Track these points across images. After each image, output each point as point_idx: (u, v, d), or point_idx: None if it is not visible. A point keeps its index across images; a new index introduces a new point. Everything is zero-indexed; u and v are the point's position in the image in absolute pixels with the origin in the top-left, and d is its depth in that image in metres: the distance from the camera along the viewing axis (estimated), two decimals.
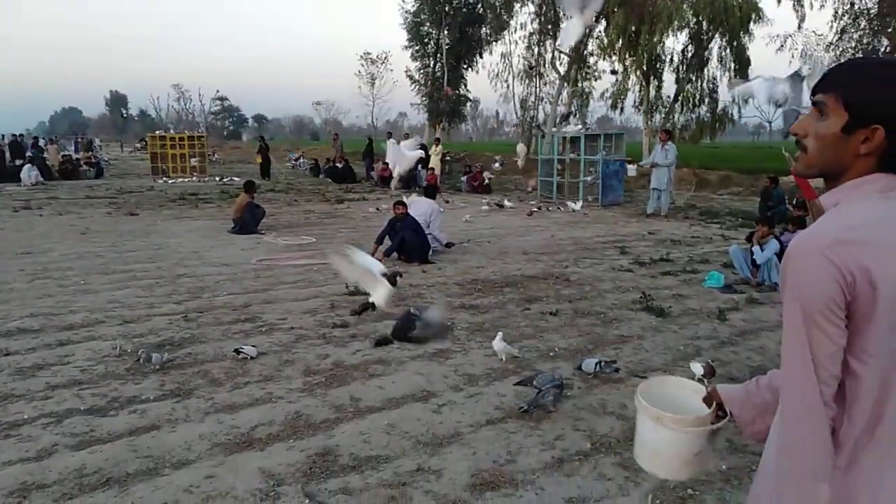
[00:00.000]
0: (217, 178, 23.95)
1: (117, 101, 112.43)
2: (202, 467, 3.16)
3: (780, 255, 7.22)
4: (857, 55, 21.07)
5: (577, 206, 14.45)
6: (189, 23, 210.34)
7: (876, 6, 20.29)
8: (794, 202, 10.24)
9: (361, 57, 56.74)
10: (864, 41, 20.84)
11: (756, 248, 7.21)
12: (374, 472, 3.15)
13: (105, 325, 5.52)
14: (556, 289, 7.00)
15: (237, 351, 4.66)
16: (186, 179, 23.57)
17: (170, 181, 22.86)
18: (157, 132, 30.52)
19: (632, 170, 15.60)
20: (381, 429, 3.61)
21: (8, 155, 23.84)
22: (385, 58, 56.31)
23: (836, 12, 21.36)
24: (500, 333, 4.86)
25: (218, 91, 75.79)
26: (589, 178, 15.11)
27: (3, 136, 42.33)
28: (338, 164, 23.70)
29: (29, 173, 20.55)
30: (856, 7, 20.89)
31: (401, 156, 20.29)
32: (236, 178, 23.07)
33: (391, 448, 3.40)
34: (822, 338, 1.12)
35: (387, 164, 21.80)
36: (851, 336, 1.13)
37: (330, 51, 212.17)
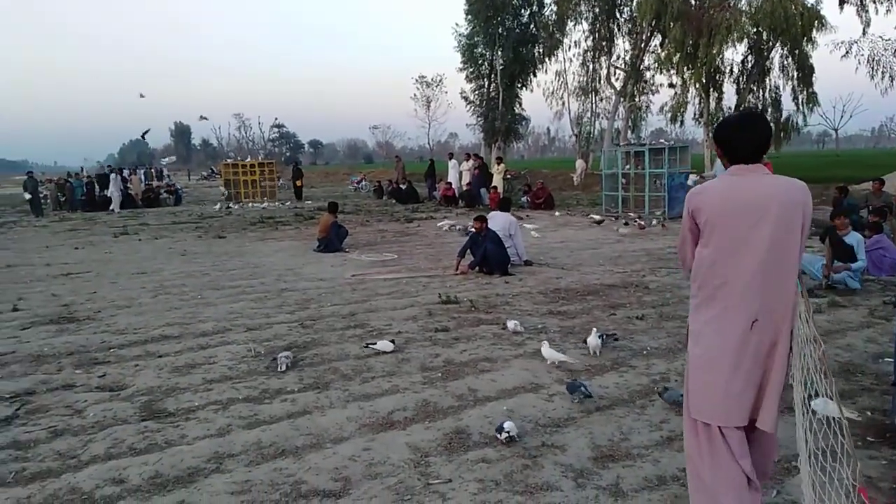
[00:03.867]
0: (286, 203, 25.06)
1: (182, 132, 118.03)
2: (358, 442, 3.69)
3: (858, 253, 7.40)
4: None
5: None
6: (248, 55, 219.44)
7: None
8: (870, 209, 10.25)
9: (417, 80, 58.33)
10: None
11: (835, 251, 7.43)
12: (505, 447, 3.61)
13: (233, 332, 6.19)
14: (638, 296, 7.35)
15: (368, 345, 5.33)
16: (260, 205, 24.74)
17: (249, 205, 24.12)
18: (228, 160, 32.10)
19: (693, 180, 15.72)
20: (502, 413, 4.07)
21: (96, 186, 25.58)
22: (440, 80, 57.66)
23: None
24: (594, 329, 5.30)
25: (276, 118, 78.75)
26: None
27: (82, 168, 45.14)
28: (401, 186, 24.51)
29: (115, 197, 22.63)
30: None
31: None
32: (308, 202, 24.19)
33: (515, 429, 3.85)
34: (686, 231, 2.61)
35: (450, 183, 22.48)
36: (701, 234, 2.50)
37: (384, 75, 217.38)
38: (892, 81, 22.54)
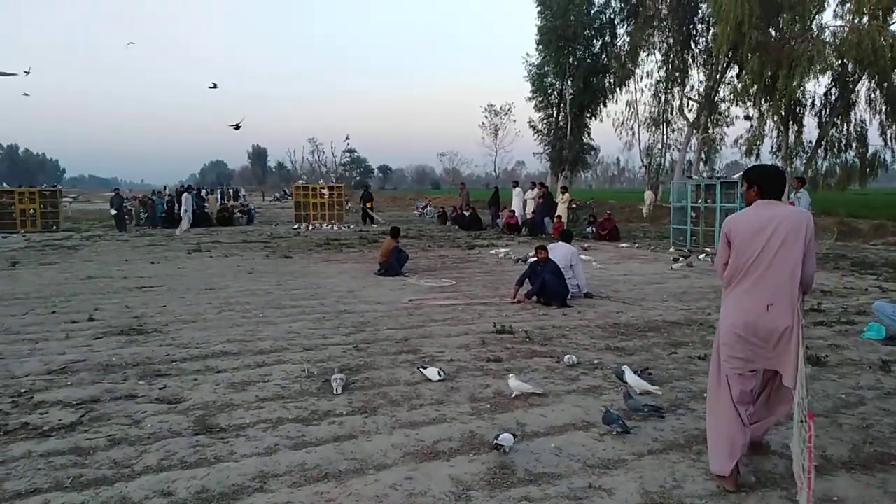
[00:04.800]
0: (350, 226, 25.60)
1: (258, 155, 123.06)
2: (400, 471, 3.65)
3: None
4: None
5: None
6: (324, 80, 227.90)
7: None
8: None
9: (485, 109, 58.73)
10: None
11: None
12: (550, 486, 3.49)
13: (290, 351, 6.31)
14: (701, 335, 7.05)
15: (419, 367, 5.35)
16: (327, 226, 25.36)
17: (314, 227, 24.77)
18: (299, 182, 33.13)
19: None
20: (550, 451, 3.95)
21: (176, 204, 26.88)
22: (508, 109, 57.86)
23: None
24: (625, 367, 5.26)
25: (347, 142, 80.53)
26: None
27: (165, 186, 47.68)
28: (465, 212, 24.63)
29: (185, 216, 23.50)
30: None
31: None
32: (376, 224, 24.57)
33: (561, 467, 3.73)
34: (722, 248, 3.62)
35: (513, 212, 22.42)
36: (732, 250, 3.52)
37: (453, 104, 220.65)
38: None
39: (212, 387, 5.18)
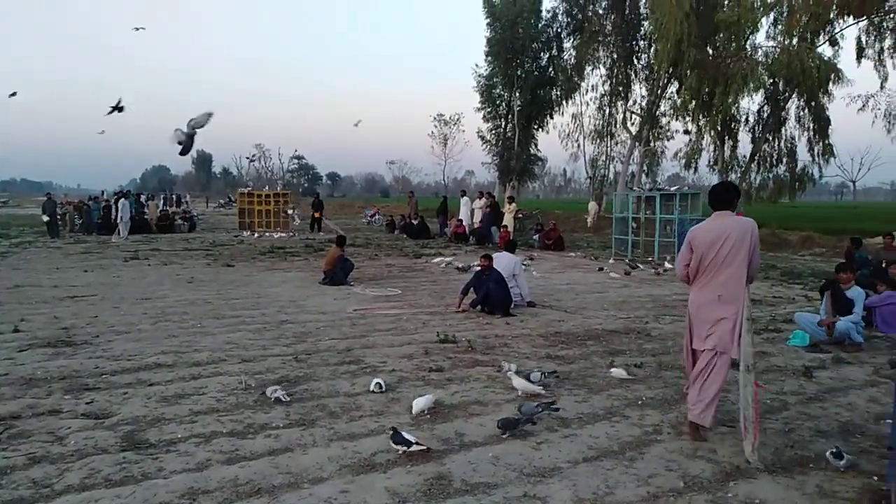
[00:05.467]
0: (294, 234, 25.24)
1: (203, 161, 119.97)
2: (336, 484, 3.61)
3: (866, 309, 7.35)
4: None
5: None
6: (270, 86, 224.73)
7: None
8: (884, 264, 10.02)
9: (435, 118, 59.11)
10: None
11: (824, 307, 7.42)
12: (486, 495, 3.51)
13: (227, 363, 6.16)
14: (639, 343, 7.24)
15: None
16: (273, 234, 24.91)
17: (259, 235, 24.30)
18: (245, 189, 32.47)
19: None
20: (487, 460, 3.98)
21: (113, 210, 25.91)
22: (457, 119, 58.31)
23: None
24: (511, 373, 5.54)
25: (296, 150, 79.84)
26: None
27: (103, 192, 45.82)
28: (413, 221, 24.63)
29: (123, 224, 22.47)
30: None
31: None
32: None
33: (498, 477, 3.75)
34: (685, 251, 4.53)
35: (460, 221, 22.54)
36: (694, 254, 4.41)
37: (403, 112, 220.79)
38: None
39: (143, 401, 5.00)
